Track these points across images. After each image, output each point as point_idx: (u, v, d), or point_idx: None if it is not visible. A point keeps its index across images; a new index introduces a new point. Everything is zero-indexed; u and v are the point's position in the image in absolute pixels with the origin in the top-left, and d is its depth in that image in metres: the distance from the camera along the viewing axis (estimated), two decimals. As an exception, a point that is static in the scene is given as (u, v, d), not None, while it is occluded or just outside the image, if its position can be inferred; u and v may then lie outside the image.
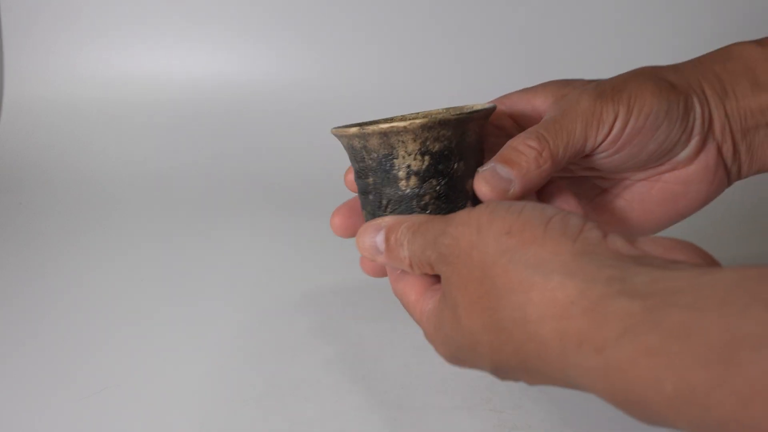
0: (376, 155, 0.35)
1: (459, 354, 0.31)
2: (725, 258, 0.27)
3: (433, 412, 0.44)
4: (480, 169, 0.35)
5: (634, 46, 0.89)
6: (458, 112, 0.36)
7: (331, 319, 0.54)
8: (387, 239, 0.33)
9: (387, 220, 0.34)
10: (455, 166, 0.35)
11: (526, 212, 0.28)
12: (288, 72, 0.92)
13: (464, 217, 0.29)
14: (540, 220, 0.27)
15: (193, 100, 0.91)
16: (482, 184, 0.34)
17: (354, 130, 0.34)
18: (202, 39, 0.93)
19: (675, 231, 0.38)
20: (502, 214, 0.28)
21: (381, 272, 0.39)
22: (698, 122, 0.36)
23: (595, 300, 0.23)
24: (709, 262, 0.25)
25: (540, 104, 0.38)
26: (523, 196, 0.34)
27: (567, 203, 0.37)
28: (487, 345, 0.28)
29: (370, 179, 0.35)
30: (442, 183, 0.35)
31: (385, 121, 0.37)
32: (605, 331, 0.22)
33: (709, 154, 0.37)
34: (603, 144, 0.35)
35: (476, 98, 0.91)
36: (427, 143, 0.34)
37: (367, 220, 0.36)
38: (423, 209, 0.35)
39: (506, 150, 0.34)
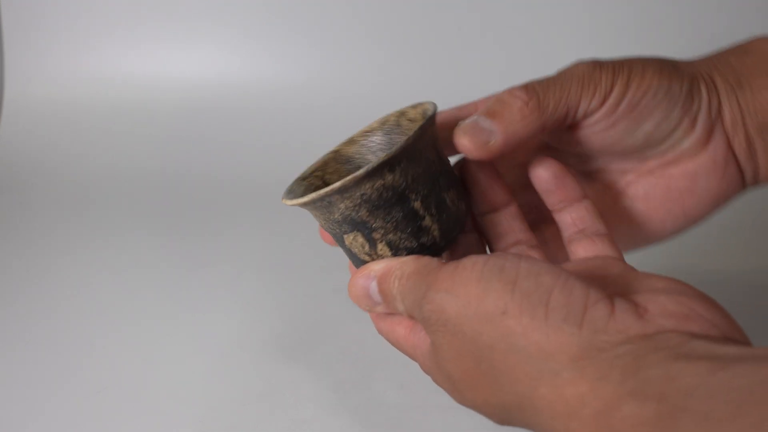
0: None
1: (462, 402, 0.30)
2: (734, 270, 0.26)
3: (433, 411, 0.44)
4: (461, 123, 0.32)
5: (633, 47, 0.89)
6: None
7: (331, 319, 0.54)
8: (381, 290, 0.31)
9: (376, 267, 0.31)
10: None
11: (521, 284, 0.25)
12: (290, 74, 0.92)
13: (448, 282, 0.27)
14: (539, 299, 0.24)
15: (194, 100, 0.91)
16: (461, 135, 0.32)
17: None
18: (203, 40, 0.93)
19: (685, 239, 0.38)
20: (495, 285, 0.25)
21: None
22: (704, 108, 0.34)
23: (607, 401, 0.22)
24: (724, 330, 0.24)
25: None
26: (504, 150, 0.32)
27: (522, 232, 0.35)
28: (492, 415, 0.28)
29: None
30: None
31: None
32: None
33: (717, 147, 0.34)
34: (598, 113, 0.33)
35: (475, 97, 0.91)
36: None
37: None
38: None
39: (492, 101, 0.32)
